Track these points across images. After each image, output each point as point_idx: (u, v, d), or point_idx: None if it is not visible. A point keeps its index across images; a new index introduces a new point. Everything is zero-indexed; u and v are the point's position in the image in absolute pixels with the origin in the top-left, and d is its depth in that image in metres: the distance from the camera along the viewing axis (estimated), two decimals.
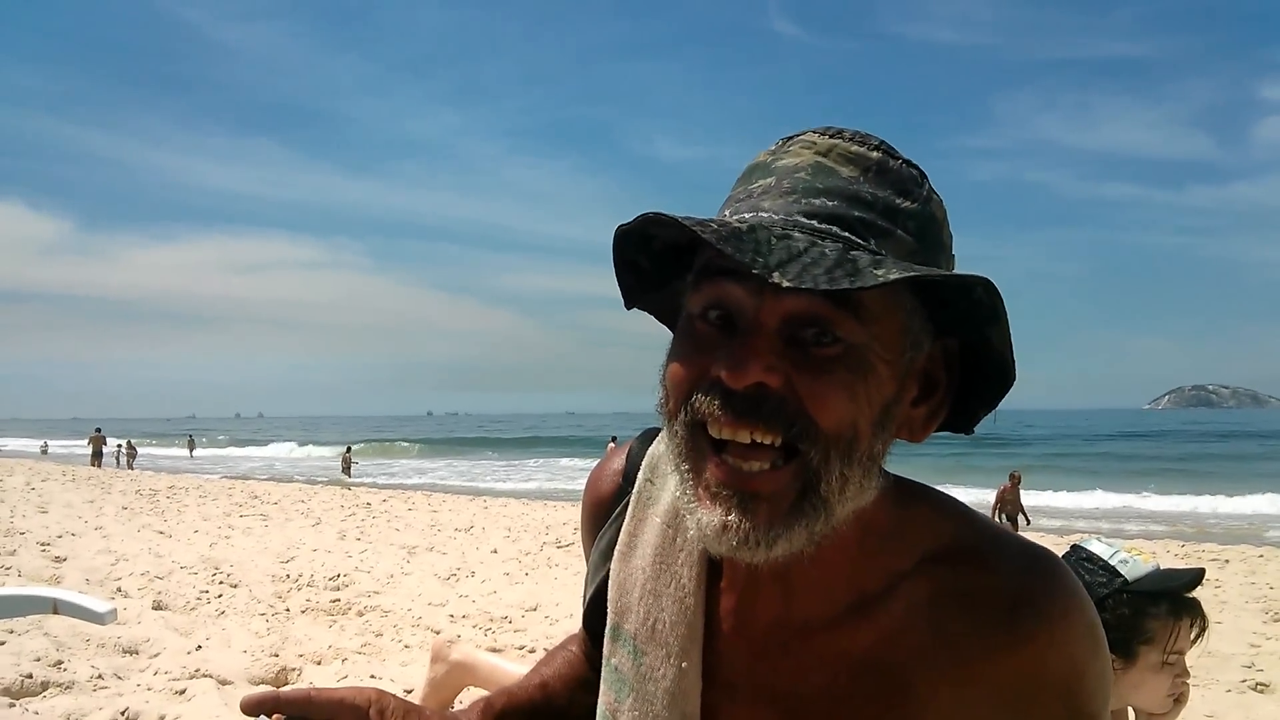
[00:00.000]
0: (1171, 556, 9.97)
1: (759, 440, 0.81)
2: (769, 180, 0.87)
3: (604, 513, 1.17)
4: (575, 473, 34.42)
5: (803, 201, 0.84)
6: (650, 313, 1.04)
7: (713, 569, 1.02)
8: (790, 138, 0.91)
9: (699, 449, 0.85)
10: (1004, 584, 0.90)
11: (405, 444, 63.79)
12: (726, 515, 0.82)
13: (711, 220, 0.81)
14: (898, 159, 0.89)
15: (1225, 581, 8.19)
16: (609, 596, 1.08)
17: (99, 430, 36.60)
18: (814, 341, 0.82)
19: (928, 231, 0.88)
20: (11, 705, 3.94)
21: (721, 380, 0.81)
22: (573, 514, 15.13)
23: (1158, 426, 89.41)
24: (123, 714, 3.93)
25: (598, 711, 1.07)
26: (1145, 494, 23.26)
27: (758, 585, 0.96)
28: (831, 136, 0.89)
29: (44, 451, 48.19)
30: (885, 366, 0.84)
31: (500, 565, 9.23)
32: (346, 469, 32.19)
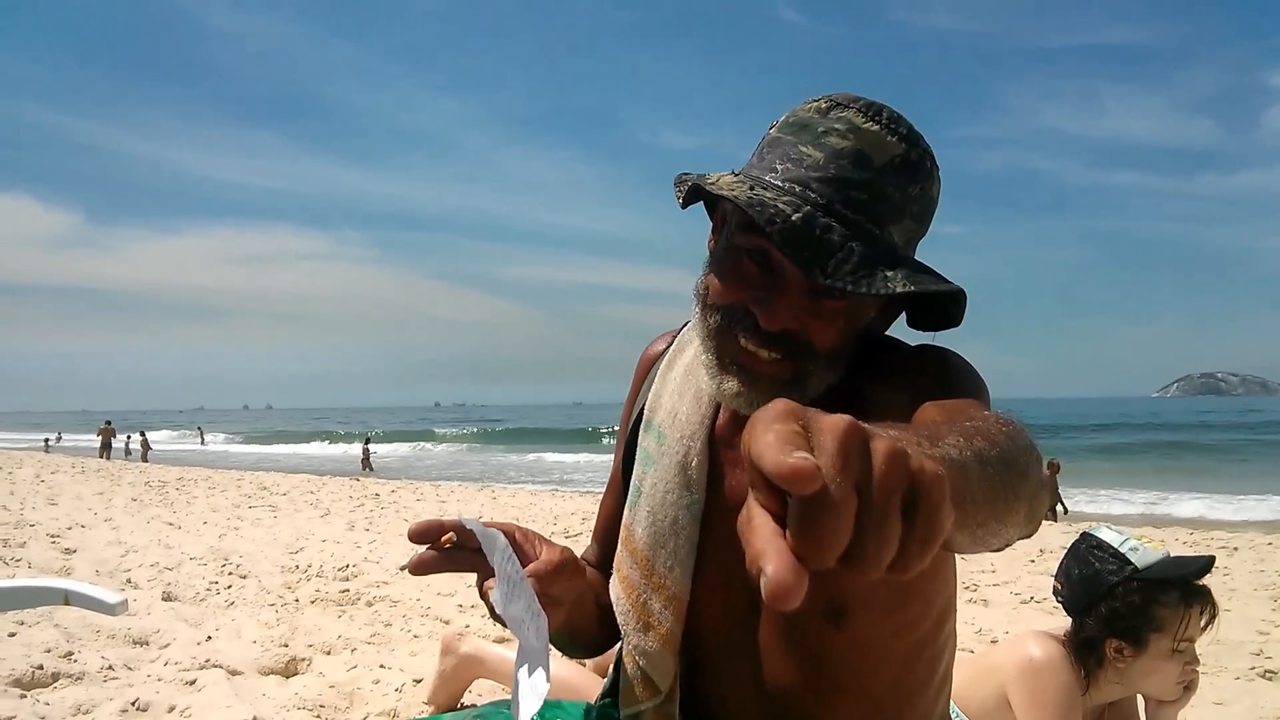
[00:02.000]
0: (1180, 544, 9.94)
1: (773, 357, 1.14)
2: (819, 157, 1.12)
3: (650, 364, 1.55)
4: (583, 466, 34.25)
5: (841, 192, 1.09)
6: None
7: None
8: (837, 105, 1.15)
9: (725, 337, 1.18)
10: (906, 347, 1.29)
11: (416, 435, 63.82)
12: (740, 384, 1.17)
13: (772, 211, 1.04)
14: (918, 147, 1.14)
15: (1234, 569, 8.15)
16: (648, 403, 1.46)
17: (109, 422, 36.61)
18: (829, 293, 1.12)
19: (926, 213, 1.18)
20: (23, 696, 3.95)
21: (755, 317, 1.13)
22: (580, 503, 15.12)
23: (1168, 414, 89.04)
24: (133, 704, 3.94)
25: (631, 485, 1.44)
26: (1157, 487, 22.96)
27: None
28: (871, 119, 1.13)
29: (57, 440, 48.18)
30: (870, 309, 1.21)
31: None
32: (366, 461, 31.81)
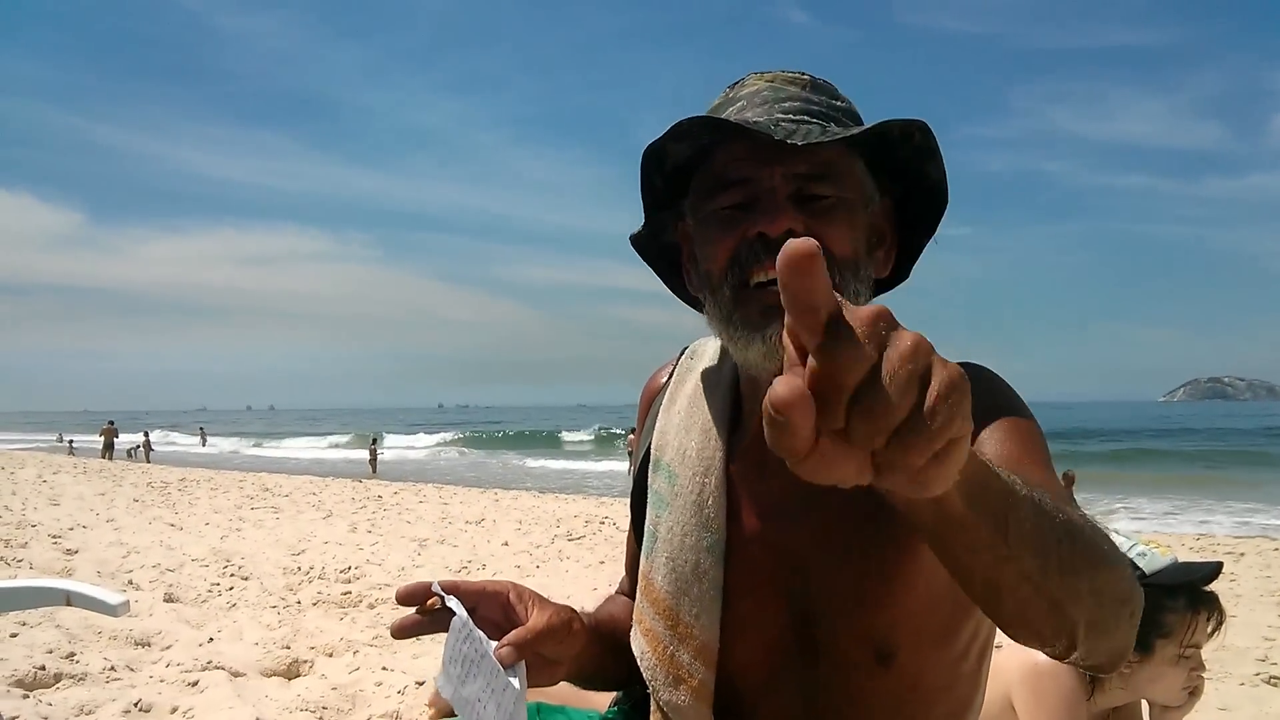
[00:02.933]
0: (1187, 550, 9.93)
1: None
2: (740, 104, 1.18)
3: (654, 397, 1.49)
4: (587, 469, 34.27)
5: (775, 106, 1.15)
6: (651, 243, 1.34)
7: (736, 412, 1.33)
8: (735, 83, 1.24)
9: (746, 295, 1.13)
10: None
11: (419, 436, 63.86)
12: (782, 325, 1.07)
13: (727, 119, 1.09)
14: (818, 78, 1.21)
15: (1240, 575, 8.15)
16: (653, 441, 1.40)
17: (111, 422, 36.62)
18: (814, 198, 1.12)
19: (856, 120, 1.20)
20: (25, 697, 3.95)
21: (762, 234, 1.10)
22: (583, 506, 15.14)
23: (1176, 420, 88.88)
24: (135, 705, 3.94)
25: (645, 530, 1.36)
26: (1164, 493, 22.91)
27: None
28: (768, 73, 1.22)
29: (59, 440, 48.00)
30: (860, 212, 1.16)
31: (511, 558, 9.24)
32: (373, 462, 31.79)
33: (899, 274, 1.29)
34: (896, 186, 1.22)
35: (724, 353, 1.38)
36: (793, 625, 1.24)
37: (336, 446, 56.26)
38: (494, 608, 1.19)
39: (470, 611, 1.14)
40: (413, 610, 1.17)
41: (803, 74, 1.21)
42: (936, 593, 1.19)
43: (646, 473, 1.41)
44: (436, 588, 1.15)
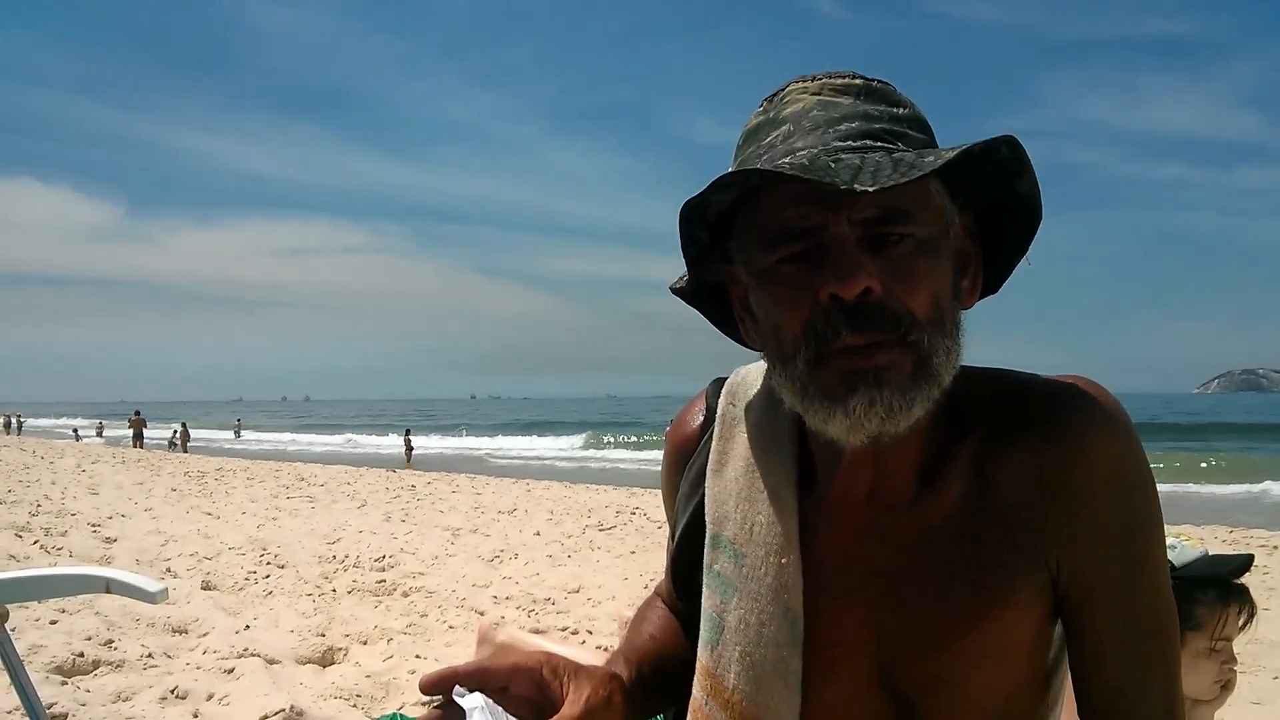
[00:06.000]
0: (1220, 542, 9.82)
1: (884, 342, 0.93)
2: (785, 128, 0.98)
3: (690, 448, 1.26)
4: (619, 457, 34.36)
5: (829, 131, 0.95)
6: (698, 290, 1.14)
7: (802, 473, 1.12)
8: (775, 95, 1.04)
9: (823, 364, 0.95)
10: (1035, 404, 1.04)
11: (451, 427, 64.12)
12: (868, 393, 0.93)
13: (780, 163, 0.91)
14: (872, 79, 1.01)
15: (1274, 568, 8.07)
16: (706, 511, 1.17)
17: (138, 412, 37.22)
18: (890, 242, 0.94)
19: (925, 126, 1.02)
20: (64, 683, 4.02)
21: (836, 296, 0.92)
22: (614, 497, 15.15)
23: (1212, 412, 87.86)
24: (172, 692, 4.00)
25: (703, 615, 1.16)
26: (1195, 480, 22.72)
27: (853, 473, 1.07)
28: (812, 80, 1.01)
29: (98, 432, 48.48)
30: (943, 246, 0.98)
31: (543, 547, 9.27)
32: (408, 452, 32.27)
33: (987, 287, 1.10)
34: (978, 201, 1.04)
35: (772, 391, 1.12)
36: (887, 710, 1.09)
37: (370, 437, 56.47)
38: (527, 684, 1.07)
39: (502, 690, 1.05)
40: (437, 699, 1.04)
41: (855, 77, 1.01)
42: (1046, 655, 1.09)
43: (686, 536, 1.24)
44: (459, 691, 1.03)
